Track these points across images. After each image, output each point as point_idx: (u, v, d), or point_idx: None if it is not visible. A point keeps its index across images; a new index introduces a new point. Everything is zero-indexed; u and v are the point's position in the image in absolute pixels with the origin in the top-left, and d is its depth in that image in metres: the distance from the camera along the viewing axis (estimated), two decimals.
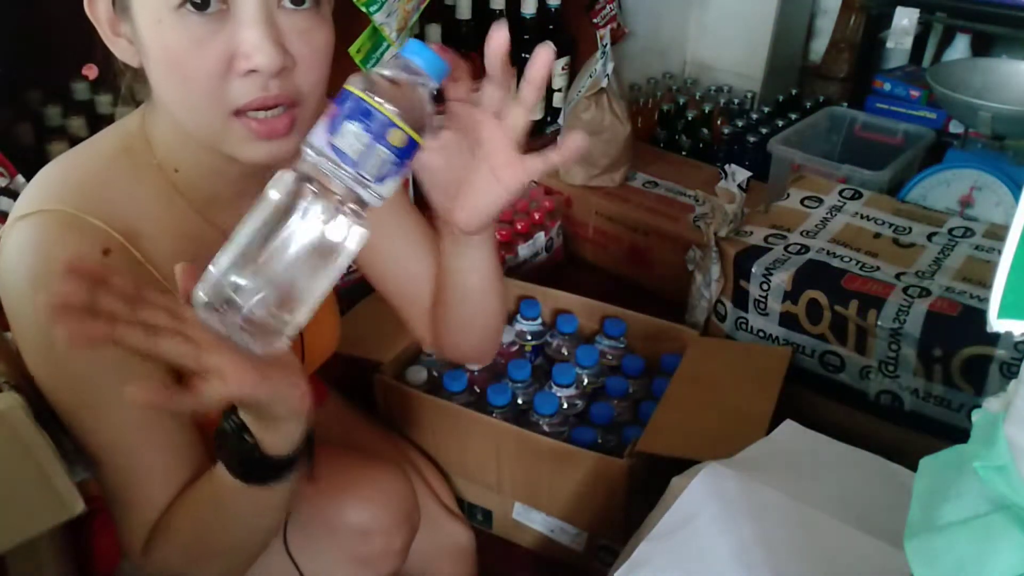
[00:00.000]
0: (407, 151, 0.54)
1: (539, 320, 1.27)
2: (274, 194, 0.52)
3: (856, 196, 1.39)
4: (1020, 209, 0.38)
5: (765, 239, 1.27)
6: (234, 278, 0.51)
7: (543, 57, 0.60)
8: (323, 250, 0.52)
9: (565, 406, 1.13)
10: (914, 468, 0.51)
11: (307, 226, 0.52)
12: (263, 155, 0.63)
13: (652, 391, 1.19)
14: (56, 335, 0.46)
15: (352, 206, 0.53)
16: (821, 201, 1.38)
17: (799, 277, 1.17)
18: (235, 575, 0.71)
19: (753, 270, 1.20)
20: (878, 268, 1.19)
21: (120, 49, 0.65)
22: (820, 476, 0.80)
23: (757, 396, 1.06)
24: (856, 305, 1.12)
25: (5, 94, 1.23)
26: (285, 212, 0.52)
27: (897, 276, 1.16)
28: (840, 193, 1.40)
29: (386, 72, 0.55)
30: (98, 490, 0.75)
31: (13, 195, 1.02)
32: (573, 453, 1.01)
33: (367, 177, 0.53)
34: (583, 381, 1.19)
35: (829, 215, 1.34)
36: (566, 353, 1.25)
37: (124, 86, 0.72)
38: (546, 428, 1.09)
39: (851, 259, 1.21)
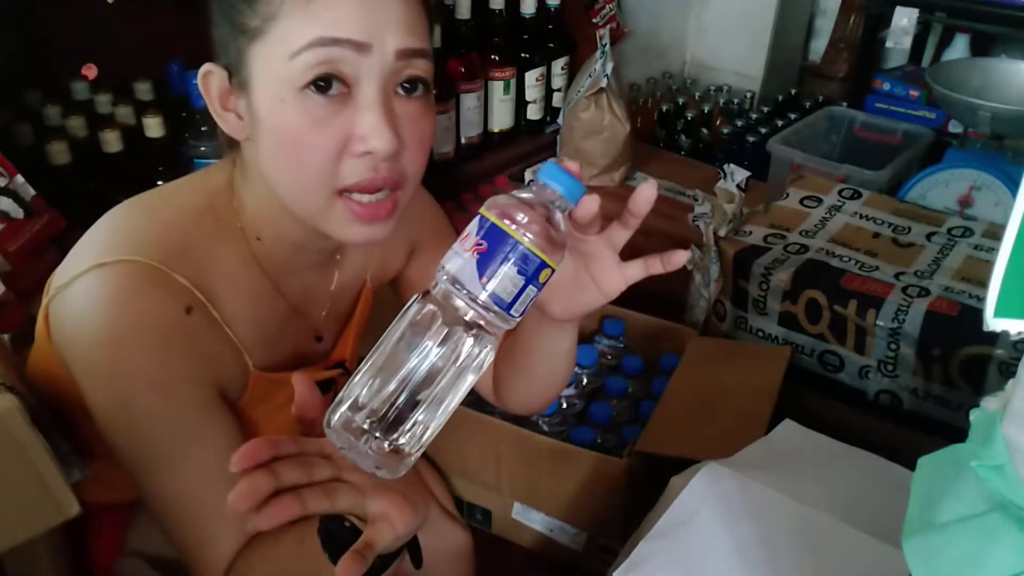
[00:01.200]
0: (548, 282, 0.54)
1: None
2: (411, 319, 0.52)
3: (855, 196, 1.39)
4: (1017, 208, 0.38)
5: (764, 239, 1.27)
6: (370, 407, 0.51)
7: (647, 194, 0.63)
8: (459, 372, 0.52)
9: (564, 406, 1.13)
10: (912, 467, 0.51)
11: (443, 352, 0.51)
12: (361, 237, 0.64)
13: (651, 391, 1.19)
14: (254, 524, 0.49)
15: (483, 324, 0.53)
16: (820, 201, 1.37)
17: (798, 277, 1.17)
18: None
19: (752, 270, 1.20)
20: (877, 268, 1.19)
21: (228, 123, 0.66)
22: (819, 476, 0.80)
23: (756, 396, 1.06)
24: (855, 305, 1.12)
25: (5, 94, 1.23)
26: (419, 335, 0.51)
27: (896, 276, 1.16)
28: (839, 193, 1.40)
29: (524, 196, 0.54)
30: (94, 494, 0.76)
31: (13, 195, 1.02)
32: (572, 453, 1.01)
33: (513, 314, 0.53)
34: (582, 381, 1.19)
35: (828, 215, 1.34)
36: None
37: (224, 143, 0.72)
38: (545, 428, 1.09)
39: (850, 259, 1.21)
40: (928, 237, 1.27)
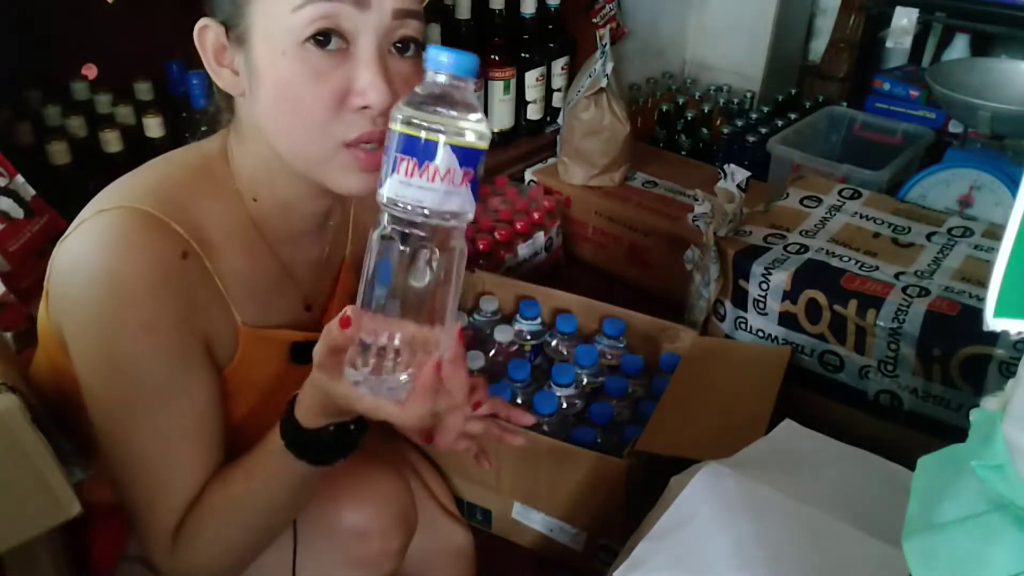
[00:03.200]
0: (472, 156, 0.56)
1: (538, 320, 1.27)
2: (376, 246, 0.55)
3: (856, 196, 1.39)
4: (1017, 208, 0.38)
5: (764, 239, 1.26)
6: (376, 346, 0.55)
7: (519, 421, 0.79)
8: (442, 279, 0.56)
9: (564, 406, 1.13)
10: (913, 467, 0.51)
11: (418, 271, 0.55)
12: (359, 186, 0.66)
13: (652, 390, 1.19)
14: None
15: (446, 226, 0.56)
16: (820, 201, 1.37)
17: (798, 277, 1.16)
18: (251, 558, 0.73)
19: (752, 269, 1.20)
20: (877, 268, 1.18)
21: (224, 79, 0.68)
22: (819, 475, 0.80)
23: (756, 396, 1.06)
24: (855, 305, 1.12)
25: (5, 94, 1.23)
26: (393, 259, 0.55)
27: (896, 276, 1.16)
28: (839, 193, 1.40)
29: (419, 92, 0.55)
30: (95, 494, 0.76)
31: (13, 195, 1.02)
32: (572, 452, 1.01)
33: (468, 209, 0.56)
34: (582, 381, 1.19)
35: (828, 215, 1.33)
36: (565, 353, 1.25)
37: (206, 119, 0.75)
38: (545, 428, 1.09)
39: (850, 259, 1.21)
40: (928, 237, 1.27)
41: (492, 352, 1.24)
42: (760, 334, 1.24)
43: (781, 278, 1.18)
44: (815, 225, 1.31)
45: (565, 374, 1.14)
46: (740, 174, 1.29)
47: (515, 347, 1.26)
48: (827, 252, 1.22)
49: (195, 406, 0.68)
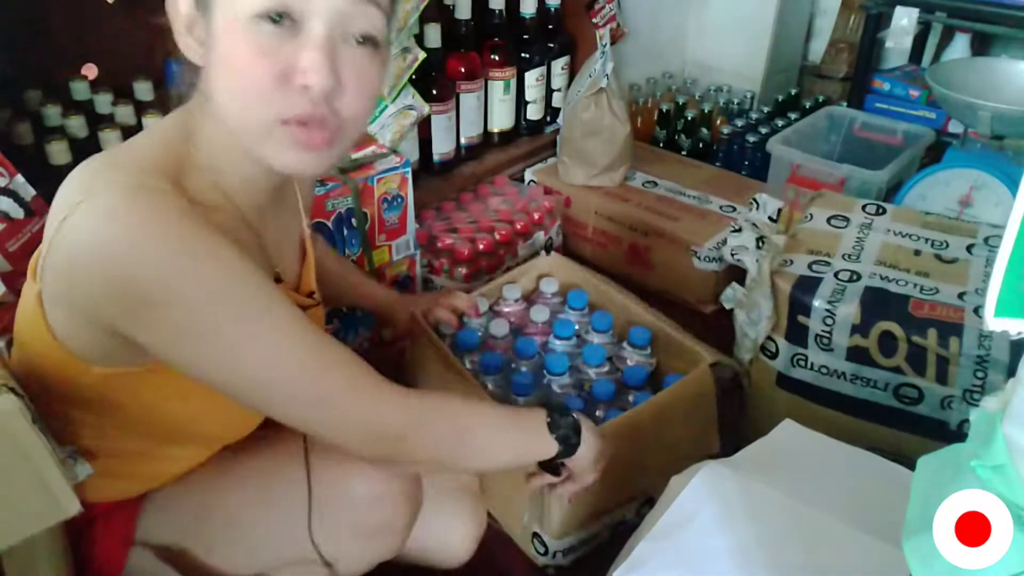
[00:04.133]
0: None
1: (610, 332, 1.26)
2: None
3: (881, 211, 1.30)
4: (1017, 208, 0.38)
5: (809, 267, 1.17)
6: None
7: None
8: None
9: (557, 389, 1.16)
10: (913, 468, 0.51)
11: None
12: (295, 164, 0.67)
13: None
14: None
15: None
16: (848, 220, 1.28)
17: (866, 308, 1.09)
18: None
19: (815, 304, 1.11)
20: (937, 290, 1.11)
21: (187, 46, 0.68)
22: (819, 476, 0.80)
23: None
24: (935, 334, 1.05)
25: (5, 94, 1.23)
26: None
27: (960, 296, 1.09)
28: (863, 209, 1.31)
29: None
30: (98, 492, 0.76)
31: (13, 195, 1.02)
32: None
33: None
34: (581, 377, 1.20)
35: (862, 234, 1.25)
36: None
37: (175, 95, 0.74)
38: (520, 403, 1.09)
39: (906, 282, 1.13)
40: (969, 250, 1.20)
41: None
42: (824, 371, 1.14)
43: (848, 311, 1.09)
44: (853, 247, 1.21)
45: (558, 364, 1.16)
46: (772, 204, 1.24)
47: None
48: (881, 277, 1.14)
49: (294, 311, 0.68)
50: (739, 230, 1.24)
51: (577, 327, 1.26)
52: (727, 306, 1.26)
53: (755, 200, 1.29)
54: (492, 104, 1.72)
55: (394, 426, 0.71)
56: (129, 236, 0.60)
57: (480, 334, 1.24)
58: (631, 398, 1.16)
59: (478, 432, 0.77)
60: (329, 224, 1.28)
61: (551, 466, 0.87)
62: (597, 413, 1.14)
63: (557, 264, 1.38)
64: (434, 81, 1.55)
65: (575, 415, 0.84)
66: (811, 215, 1.30)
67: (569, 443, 0.82)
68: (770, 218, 1.24)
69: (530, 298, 1.34)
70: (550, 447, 0.81)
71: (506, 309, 1.31)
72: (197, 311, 0.62)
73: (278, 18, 0.62)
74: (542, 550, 1.07)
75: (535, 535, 1.07)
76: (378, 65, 0.68)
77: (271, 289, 0.67)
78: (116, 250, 0.60)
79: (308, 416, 0.69)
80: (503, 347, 1.22)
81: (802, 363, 1.15)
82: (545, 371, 1.17)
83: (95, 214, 0.61)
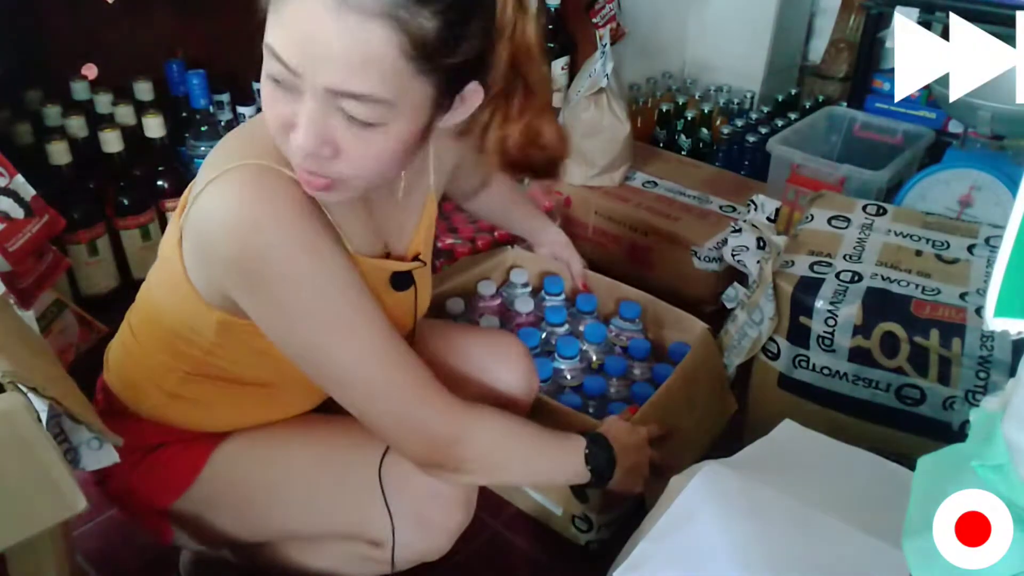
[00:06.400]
0: None
1: (562, 296, 1.33)
2: None
3: (881, 212, 1.30)
4: (1017, 208, 0.38)
5: (810, 268, 1.16)
6: None
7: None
8: None
9: (568, 377, 1.20)
10: (913, 468, 0.51)
11: None
12: (312, 193, 0.72)
13: (654, 375, 1.22)
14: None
15: None
16: (848, 220, 1.28)
17: (868, 309, 1.08)
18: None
19: (817, 305, 1.11)
20: (939, 291, 1.11)
21: None
22: (819, 475, 0.80)
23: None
24: (937, 335, 1.04)
25: (5, 94, 1.23)
26: None
27: (962, 296, 1.09)
28: (864, 209, 1.31)
29: None
30: (182, 420, 0.85)
31: (13, 195, 1.02)
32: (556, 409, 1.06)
33: None
34: (590, 355, 1.24)
35: (863, 235, 1.24)
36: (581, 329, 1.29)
37: None
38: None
39: (907, 282, 1.13)
40: (970, 250, 1.20)
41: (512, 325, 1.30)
42: (825, 372, 1.14)
43: (850, 312, 1.09)
44: (854, 248, 1.21)
45: (570, 347, 1.20)
46: (770, 205, 1.25)
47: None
48: (882, 278, 1.14)
49: (380, 312, 0.76)
50: (739, 231, 1.24)
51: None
52: (728, 306, 1.26)
53: (753, 201, 1.29)
54: None
55: (450, 432, 0.78)
56: (253, 218, 0.69)
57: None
58: (637, 371, 1.22)
59: (523, 449, 0.85)
60: None
61: (580, 491, 0.95)
62: (611, 390, 1.18)
63: (522, 256, 1.41)
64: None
65: (610, 439, 0.91)
66: (812, 216, 1.30)
67: (601, 476, 0.89)
68: (768, 218, 1.24)
69: (500, 291, 1.36)
70: (583, 475, 0.88)
71: (482, 304, 1.32)
72: (297, 297, 0.71)
73: (281, 82, 0.65)
74: (584, 527, 1.08)
75: (575, 515, 1.09)
76: (379, 139, 0.67)
77: (363, 302, 0.74)
78: (240, 233, 0.69)
79: (368, 410, 0.77)
80: None
81: (804, 364, 1.15)
82: (557, 355, 1.20)
83: (222, 195, 0.70)
